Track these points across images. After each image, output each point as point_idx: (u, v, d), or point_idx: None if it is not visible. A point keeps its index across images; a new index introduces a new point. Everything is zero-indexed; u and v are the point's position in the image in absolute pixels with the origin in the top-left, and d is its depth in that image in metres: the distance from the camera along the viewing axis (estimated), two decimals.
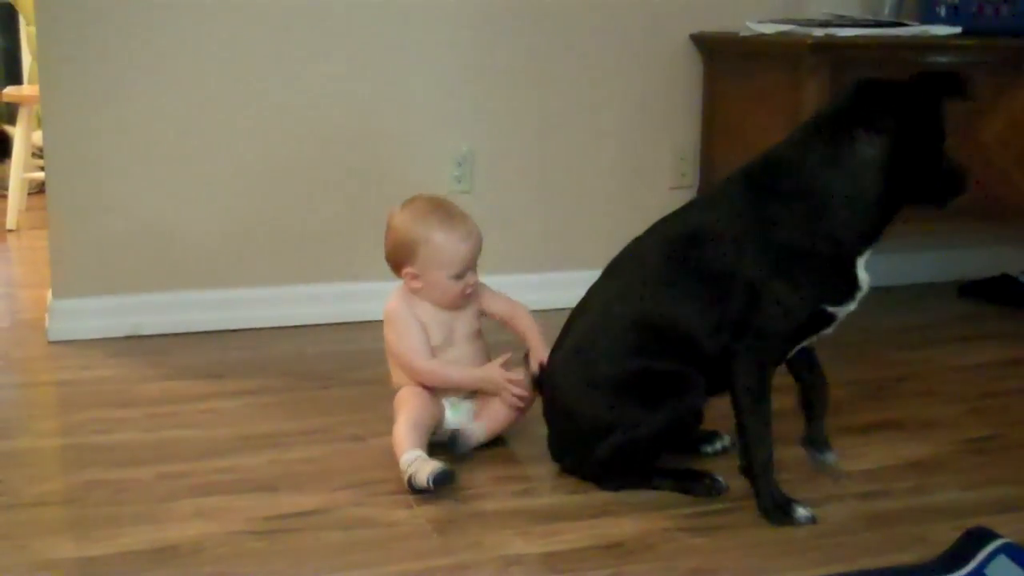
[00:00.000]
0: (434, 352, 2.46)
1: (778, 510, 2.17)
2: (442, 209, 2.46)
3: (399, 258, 2.45)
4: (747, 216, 2.15)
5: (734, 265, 2.13)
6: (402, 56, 3.37)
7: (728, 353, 2.15)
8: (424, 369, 2.43)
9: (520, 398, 2.42)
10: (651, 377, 2.20)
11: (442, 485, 2.22)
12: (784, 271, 2.11)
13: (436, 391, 2.46)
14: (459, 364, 2.46)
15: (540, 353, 2.44)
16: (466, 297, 2.46)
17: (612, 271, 2.34)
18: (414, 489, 2.22)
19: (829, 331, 2.22)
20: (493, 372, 2.43)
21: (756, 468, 2.19)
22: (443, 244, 2.40)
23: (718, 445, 2.45)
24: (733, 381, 2.17)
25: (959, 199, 2.17)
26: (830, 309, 2.15)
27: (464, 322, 2.50)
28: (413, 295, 2.46)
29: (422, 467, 2.23)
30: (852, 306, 2.18)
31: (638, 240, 2.32)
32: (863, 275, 2.16)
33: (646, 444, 2.22)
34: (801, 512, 2.16)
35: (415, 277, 2.44)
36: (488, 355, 2.51)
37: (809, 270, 2.12)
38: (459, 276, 2.42)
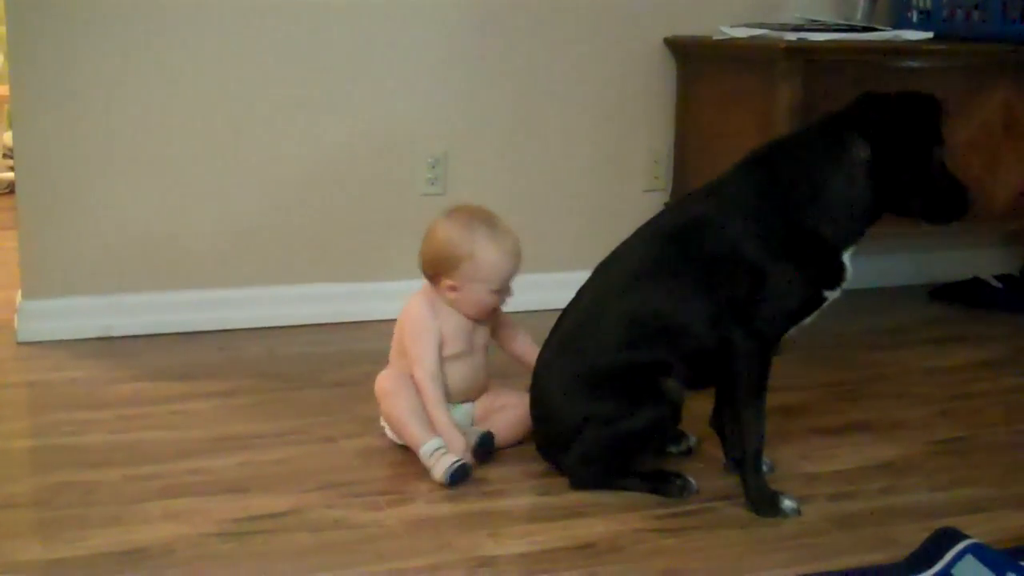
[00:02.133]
0: (455, 360, 2.43)
1: (766, 502, 2.19)
2: (489, 222, 2.42)
3: (440, 269, 2.41)
4: (750, 201, 2.20)
5: (739, 248, 2.17)
6: (376, 58, 3.37)
7: (728, 342, 2.18)
8: (421, 382, 2.38)
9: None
10: (634, 370, 2.21)
11: (459, 482, 2.26)
12: (789, 253, 2.17)
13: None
14: (443, 408, 2.38)
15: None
16: (496, 311, 2.46)
17: (603, 268, 2.35)
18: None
19: (811, 319, 2.26)
20: (460, 446, 2.34)
21: (748, 459, 2.21)
22: (489, 259, 2.38)
23: (683, 446, 2.46)
24: (735, 370, 2.20)
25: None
26: (825, 292, 2.21)
27: (482, 333, 2.50)
28: (439, 301, 2.44)
29: (439, 461, 2.27)
30: (838, 292, 2.24)
31: (630, 237, 2.34)
32: (849, 265, 2.23)
33: (627, 437, 2.23)
34: (788, 503, 2.19)
35: (454, 289, 2.41)
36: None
37: (807, 253, 2.18)
38: (499, 291, 2.41)
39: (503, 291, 2.43)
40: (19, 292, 3.25)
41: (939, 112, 2.18)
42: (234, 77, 3.26)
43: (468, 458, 2.32)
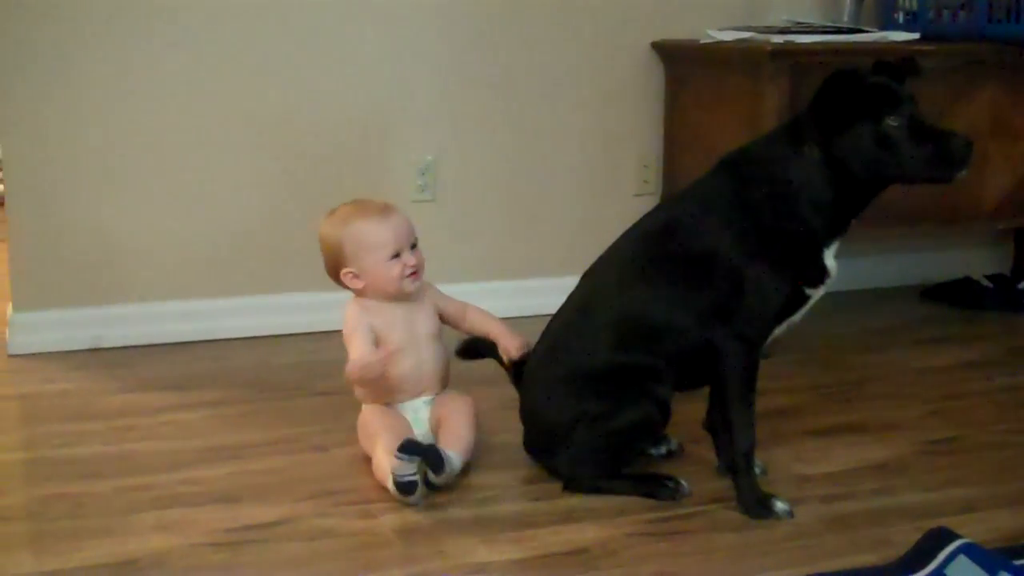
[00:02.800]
0: (400, 355, 2.42)
1: (758, 504, 2.20)
2: (355, 203, 2.47)
3: (335, 264, 2.44)
4: (726, 201, 2.21)
5: (715, 249, 2.18)
6: (365, 65, 3.37)
7: (716, 343, 2.19)
8: (354, 358, 2.33)
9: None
10: (622, 372, 2.22)
11: (406, 494, 2.22)
12: (764, 252, 2.17)
13: (394, 403, 2.44)
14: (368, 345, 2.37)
15: (508, 339, 2.44)
16: (412, 278, 2.42)
17: (590, 273, 2.36)
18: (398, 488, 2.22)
19: (798, 318, 2.27)
20: (373, 358, 2.31)
21: (739, 461, 2.22)
22: (363, 230, 2.40)
23: (663, 449, 2.46)
24: (724, 372, 2.21)
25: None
26: (807, 290, 2.21)
27: (424, 321, 2.47)
28: (365, 299, 2.44)
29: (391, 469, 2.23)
30: (822, 290, 2.24)
31: (615, 242, 2.36)
32: (831, 263, 2.23)
33: (616, 438, 2.24)
34: (780, 505, 2.20)
35: (355, 276, 2.42)
36: (448, 359, 2.50)
37: (785, 251, 2.18)
38: (395, 256, 2.40)
39: (402, 254, 2.40)
40: (9, 304, 3.24)
41: (853, 80, 2.13)
42: (224, 88, 3.26)
43: (410, 469, 2.23)
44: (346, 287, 2.46)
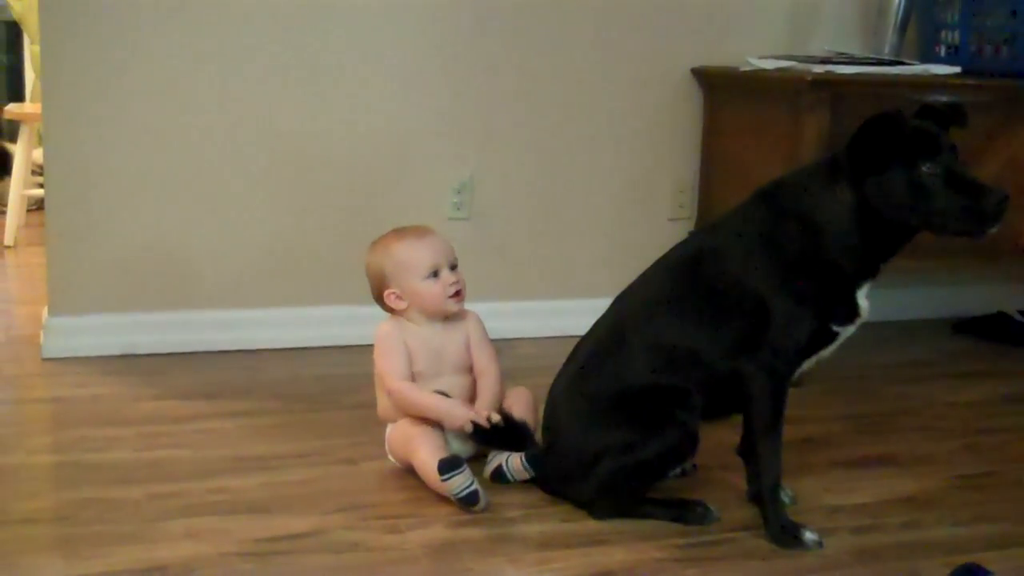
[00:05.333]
0: (420, 378, 2.46)
1: (786, 534, 2.18)
2: (395, 230, 2.55)
3: (379, 287, 2.51)
4: (757, 233, 2.20)
5: (744, 279, 2.18)
6: (404, 82, 3.39)
7: (743, 374, 2.18)
8: (394, 388, 2.43)
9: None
10: (652, 399, 2.21)
11: (470, 505, 2.26)
12: (791, 286, 2.16)
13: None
14: (428, 390, 2.43)
15: (483, 405, 2.44)
16: (456, 299, 2.48)
17: (621, 298, 2.36)
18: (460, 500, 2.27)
19: (828, 353, 2.25)
20: (459, 409, 2.39)
21: (765, 492, 2.21)
22: (400, 253, 2.48)
23: (677, 469, 2.43)
24: (750, 403, 2.20)
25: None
26: (834, 327, 2.20)
27: (453, 350, 2.51)
28: (404, 320, 2.49)
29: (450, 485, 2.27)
30: (852, 329, 2.22)
31: (647, 269, 2.36)
32: (863, 303, 2.21)
33: (646, 467, 2.23)
34: (809, 536, 2.18)
35: (398, 297, 2.49)
36: (475, 393, 2.51)
37: (812, 287, 2.16)
38: (434, 275, 2.46)
39: (441, 273, 2.47)
40: (46, 308, 3.27)
41: (893, 124, 2.09)
42: (262, 100, 3.28)
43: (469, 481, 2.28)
44: (390, 310, 2.51)
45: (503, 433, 2.39)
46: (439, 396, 2.42)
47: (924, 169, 2.09)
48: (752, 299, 2.17)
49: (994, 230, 2.11)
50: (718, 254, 2.23)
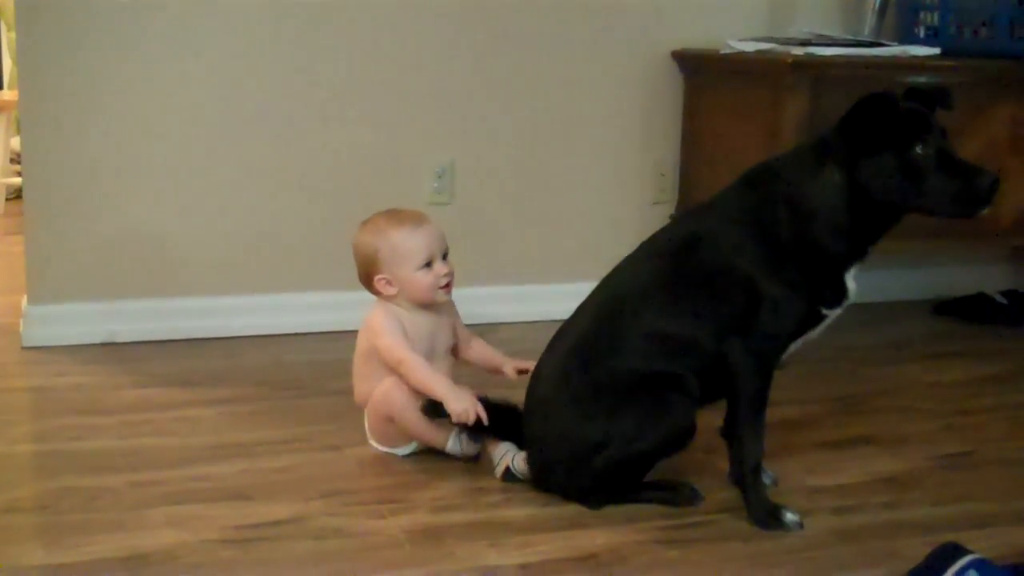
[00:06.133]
0: None
1: (768, 516, 2.19)
2: (390, 213, 2.54)
3: (368, 271, 2.50)
4: (745, 216, 2.20)
5: (734, 264, 2.17)
6: (385, 67, 3.37)
7: (731, 357, 2.18)
8: (406, 357, 2.41)
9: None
10: (649, 385, 2.20)
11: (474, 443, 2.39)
12: (780, 270, 2.16)
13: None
14: (435, 374, 2.44)
15: (513, 363, 2.54)
16: (445, 290, 2.49)
17: (605, 284, 2.34)
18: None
19: (815, 335, 2.26)
20: (467, 399, 2.37)
21: (747, 474, 2.21)
22: (397, 239, 2.47)
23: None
24: (737, 386, 2.20)
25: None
26: (823, 310, 2.20)
27: (443, 336, 2.54)
28: (393, 305, 2.49)
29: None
30: (839, 311, 2.23)
31: (632, 253, 2.34)
32: (851, 285, 2.21)
33: (645, 456, 2.22)
34: (790, 517, 2.19)
35: (388, 283, 2.48)
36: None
37: (802, 270, 2.16)
38: (427, 265, 2.46)
39: (434, 263, 2.47)
40: (24, 297, 3.26)
41: (886, 105, 2.10)
42: (241, 85, 3.27)
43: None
44: (378, 293, 2.51)
45: (498, 420, 2.38)
46: (447, 379, 2.42)
47: (917, 151, 2.09)
48: (741, 283, 2.17)
49: (985, 212, 2.12)
50: (708, 239, 2.22)
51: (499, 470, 2.36)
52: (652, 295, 2.24)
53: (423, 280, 2.46)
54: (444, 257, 2.50)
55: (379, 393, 2.44)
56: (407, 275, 2.46)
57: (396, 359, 2.42)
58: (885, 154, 2.10)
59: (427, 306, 2.50)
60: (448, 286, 2.50)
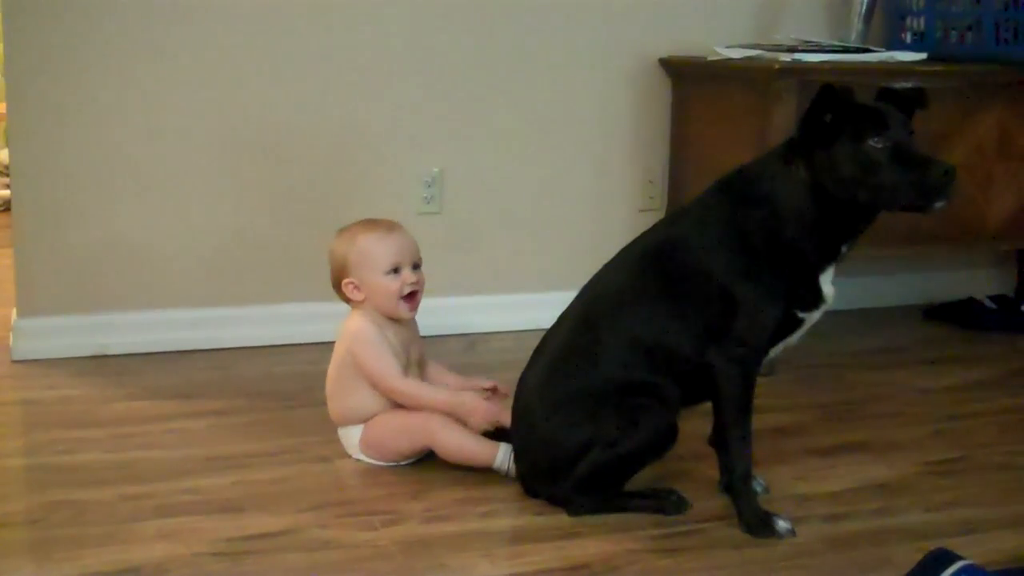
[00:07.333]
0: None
1: (759, 523, 2.19)
2: (363, 221, 2.56)
3: (338, 275, 2.52)
4: (719, 222, 2.20)
5: (709, 269, 2.18)
6: (372, 76, 3.37)
7: (712, 364, 2.18)
8: (401, 389, 2.43)
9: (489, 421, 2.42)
10: (629, 391, 2.20)
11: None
12: (754, 273, 2.16)
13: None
14: (432, 389, 2.47)
15: (471, 382, 2.56)
16: (409, 305, 2.49)
17: (586, 291, 2.35)
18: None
19: (794, 340, 2.26)
20: (467, 397, 2.42)
21: (736, 482, 2.22)
22: (365, 244, 2.48)
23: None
24: (719, 393, 2.20)
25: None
26: (799, 314, 2.20)
27: (415, 348, 2.55)
28: (371, 311, 2.49)
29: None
30: (817, 315, 2.23)
31: (611, 260, 2.35)
32: (827, 288, 2.21)
33: (625, 462, 2.22)
34: (782, 524, 2.19)
35: (356, 288, 2.49)
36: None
37: (775, 273, 2.17)
38: (394, 271, 2.47)
39: (402, 270, 2.47)
40: (14, 310, 3.25)
41: (840, 97, 2.10)
42: (229, 96, 3.26)
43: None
44: (346, 299, 2.51)
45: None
46: (452, 392, 2.44)
47: (870, 143, 2.08)
48: (716, 288, 2.17)
49: (942, 204, 2.09)
50: (680, 245, 2.23)
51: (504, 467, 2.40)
52: (627, 303, 2.25)
53: (390, 285, 2.46)
54: (416, 268, 2.50)
55: (407, 423, 2.44)
56: (374, 279, 2.47)
57: (390, 389, 2.43)
58: (839, 146, 2.10)
59: (394, 317, 2.49)
60: (413, 298, 2.49)
